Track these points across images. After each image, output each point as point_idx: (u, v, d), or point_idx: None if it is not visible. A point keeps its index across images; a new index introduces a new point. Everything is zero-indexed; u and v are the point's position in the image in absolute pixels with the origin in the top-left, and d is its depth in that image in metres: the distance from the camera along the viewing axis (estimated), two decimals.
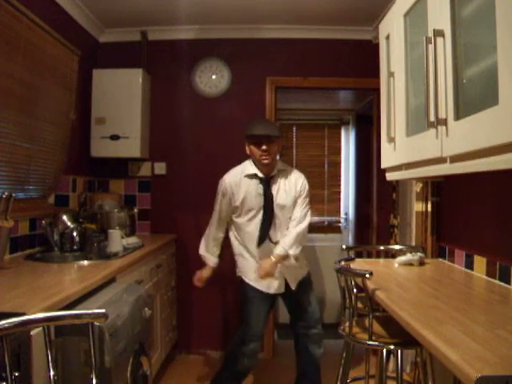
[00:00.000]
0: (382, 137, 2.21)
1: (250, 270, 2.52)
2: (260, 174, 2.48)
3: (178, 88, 3.53)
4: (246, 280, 2.53)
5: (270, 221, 2.48)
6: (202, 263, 2.68)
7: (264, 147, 2.40)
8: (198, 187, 3.48)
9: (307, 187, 2.58)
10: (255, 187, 2.48)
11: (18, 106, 2.30)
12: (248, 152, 2.51)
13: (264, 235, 2.49)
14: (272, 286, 2.51)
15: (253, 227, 2.49)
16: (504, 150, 1.13)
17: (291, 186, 2.53)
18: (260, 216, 2.48)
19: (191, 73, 3.52)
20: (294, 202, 2.53)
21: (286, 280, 2.53)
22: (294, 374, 2.75)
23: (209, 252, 2.64)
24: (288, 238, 2.47)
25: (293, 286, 2.54)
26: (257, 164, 2.49)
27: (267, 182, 2.49)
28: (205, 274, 2.63)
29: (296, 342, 2.69)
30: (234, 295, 3.41)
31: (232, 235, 2.61)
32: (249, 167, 2.52)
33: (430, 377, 1.82)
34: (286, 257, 2.43)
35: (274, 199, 2.48)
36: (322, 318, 2.68)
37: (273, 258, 2.41)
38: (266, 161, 2.43)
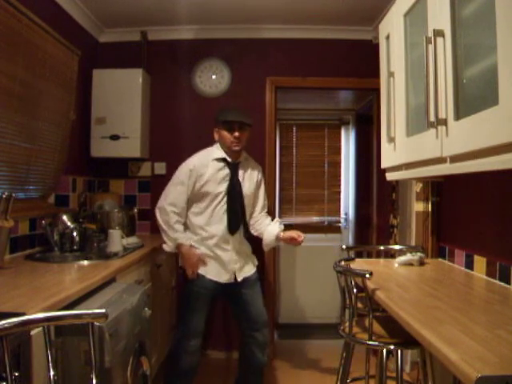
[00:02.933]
0: (381, 137, 2.21)
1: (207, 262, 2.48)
2: (229, 159, 2.50)
3: (178, 88, 3.53)
4: (199, 272, 2.45)
5: (240, 207, 2.49)
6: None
7: (236, 134, 2.43)
8: None
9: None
10: (222, 172, 2.48)
11: (17, 106, 2.30)
12: (216, 138, 2.54)
13: (237, 221, 2.48)
14: (223, 275, 2.48)
15: (215, 214, 2.45)
16: (504, 150, 1.13)
17: (253, 175, 2.60)
18: (223, 203, 2.45)
19: (191, 73, 3.52)
20: (256, 192, 2.62)
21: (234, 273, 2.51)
22: (294, 374, 2.75)
23: (180, 230, 2.47)
24: (269, 221, 2.64)
25: (239, 277, 2.51)
26: (225, 150, 2.50)
27: (235, 168, 2.51)
28: (199, 253, 2.45)
29: (241, 344, 2.62)
30: None
31: (190, 224, 2.52)
32: (216, 151, 2.52)
33: (430, 377, 1.82)
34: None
35: (242, 186, 2.51)
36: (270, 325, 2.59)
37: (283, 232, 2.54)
38: (236, 147, 2.46)
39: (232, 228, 2.47)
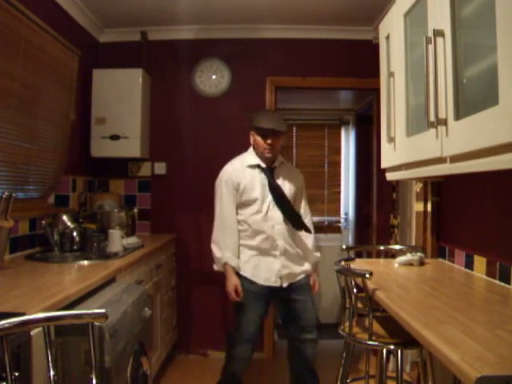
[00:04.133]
0: (381, 137, 2.21)
1: (246, 262, 2.43)
2: (263, 165, 2.47)
3: (178, 88, 3.53)
4: (241, 273, 2.42)
5: (289, 209, 2.45)
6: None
7: (269, 141, 2.41)
8: (198, 187, 3.48)
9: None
10: (259, 177, 2.45)
11: (17, 106, 2.30)
12: (252, 141, 2.52)
13: (297, 222, 2.47)
14: (269, 278, 2.42)
15: (260, 221, 2.41)
16: (504, 150, 1.13)
17: (293, 180, 2.56)
18: (265, 207, 2.42)
19: (191, 73, 3.52)
20: (295, 197, 2.56)
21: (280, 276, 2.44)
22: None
23: (230, 250, 2.41)
24: (310, 241, 2.58)
25: (285, 283, 2.45)
26: (259, 155, 2.48)
27: (270, 173, 2.48)
28: (237, 281, 2.38)
29: (290, 349, 2.63)
30: None
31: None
32: (250, 158, 2.50)
33: (430, 377, 1.83)
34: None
35: (283, 189, 2.47)
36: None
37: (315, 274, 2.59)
38: (268, 154, 2.43)
39: (294, 226, 2.48)
